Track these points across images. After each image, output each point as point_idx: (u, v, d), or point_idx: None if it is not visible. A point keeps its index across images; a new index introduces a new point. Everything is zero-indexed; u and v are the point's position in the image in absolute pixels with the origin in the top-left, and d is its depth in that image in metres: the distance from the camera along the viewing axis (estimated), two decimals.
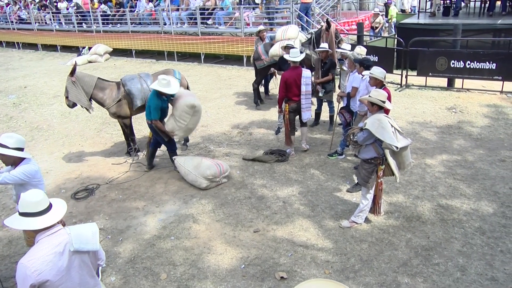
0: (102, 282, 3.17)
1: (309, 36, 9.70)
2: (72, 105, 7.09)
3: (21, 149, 3.91)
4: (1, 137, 3.85)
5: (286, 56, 7.04)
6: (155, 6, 17.55)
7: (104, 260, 3.10)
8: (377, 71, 5.35)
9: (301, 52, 6.94)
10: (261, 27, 10.39)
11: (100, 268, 3.22)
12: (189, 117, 6.28)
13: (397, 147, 4.50)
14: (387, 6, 17.42)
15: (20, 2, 24.81)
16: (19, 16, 24.01)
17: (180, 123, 6.31)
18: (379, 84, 5.36)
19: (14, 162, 3.94)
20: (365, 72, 5.89)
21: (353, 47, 8.01)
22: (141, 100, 7.07)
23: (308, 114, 7.01)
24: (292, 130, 7.10)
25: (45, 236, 2.66)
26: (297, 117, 7.14)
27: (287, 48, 7.78)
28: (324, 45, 7.67)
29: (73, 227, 2.81)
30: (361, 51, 7.26)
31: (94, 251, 2.84)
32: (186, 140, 7.87)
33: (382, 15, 16.43)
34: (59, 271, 2.64)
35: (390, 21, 17.13)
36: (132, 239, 5.17)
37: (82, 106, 7.08)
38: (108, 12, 19.12)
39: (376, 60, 10.64)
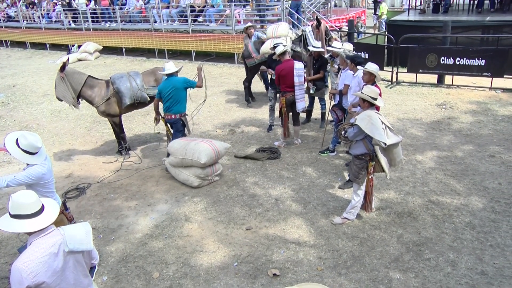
0: (94, 282, 3.14)
1: (300, 33, 9.70)
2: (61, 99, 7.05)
3: (31, 153, 3.74)
4: (20, 135, 3.71)
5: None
6: (145, 4, 17.43)
7: (97, 259, 3.09)
8: (373, 67, 5.37)
9: (293, 50, 7.02)
10: (249, 24, 10.36)
11: (95, 269, 3.19)
12: (189, 163, 6.14)
13: (385, 144, 4.53)
14: (376, 3, 17.49)
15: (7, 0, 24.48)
16: (7, 14, 23.69)
17: (183, 158, 6.12)
18: (371, 80, 5.40)
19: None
20: (359, 68, 5.91)
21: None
22: (130, 98, 7.02)
23: (302, 104, 7.12)
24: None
25: (39, 237, 2.62)
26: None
27: (274, 48, 7.79)
28: (318, 45, 7.68)
29: (67, 227, 2.79)
30: (348, 46, 7.34)
31: (88, 250, 2.82)
32: None
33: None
34: (54, 272, 2.61)
35: (380, 18, 17.21)
36: (124, 238, 5.15)
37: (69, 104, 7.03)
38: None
39: (367, 57, 10.68)
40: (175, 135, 6.65)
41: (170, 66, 6.41)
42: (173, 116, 6.47)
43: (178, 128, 6.62)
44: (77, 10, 19.42)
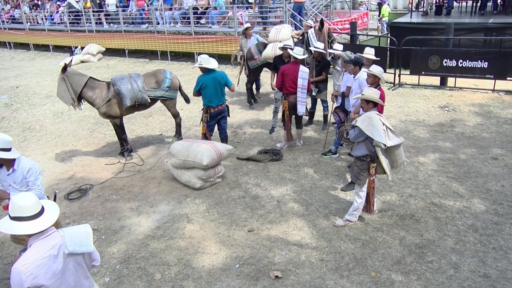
0: (96, 283, 3.14)
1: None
2: None
3: (7, 150, 3.87)
4: None
5: (289, 51, 7.20)
6: (148, 6, 17.48)
7: (98, 261, 3.08)
8: (377, 69, 5.38)
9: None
10: (248, 25, 10.37)
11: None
12: (191, 164, 6.14)
13: (385, 145, 4.53)
14: (380, 5, 17.47)
15: (9, 2, 24.58)
16: (11, 16, 23.79)
17: (185, 160, 6.12)
18: (376, 83, 5.41)
19: (3, 161, 3.94)
20: (364, 70, 5.92)
21: (345, 46, 8.06)
22: (131, 100, 7.03)
23: (302, 108, 7.10)
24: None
25: (38, 239, 2.61)
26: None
27: (284, 49, 7.79)
28: (319, 45, 7.69)
29: (67, 229, 2.78)
30: (338, 47, 7.43)
31: (88, 252, 2.82)
32: (179, 134, 7.91)
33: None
34: (54, 274, 2.61)
35: (382, 20, 17.17)
36: (126, 240, 5.15)
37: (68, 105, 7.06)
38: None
39: None
40: (224, 125, 6.91)
41: (212, 60, 6.52)
42: (223, 105, 6.70)
43: (226, 115, 6.88)
44: (80, 11, 19.47)
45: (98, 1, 19.74)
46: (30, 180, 3.95)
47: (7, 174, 3.98)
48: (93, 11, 19.16)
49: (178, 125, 7.90)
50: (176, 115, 7.81)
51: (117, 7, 18.54)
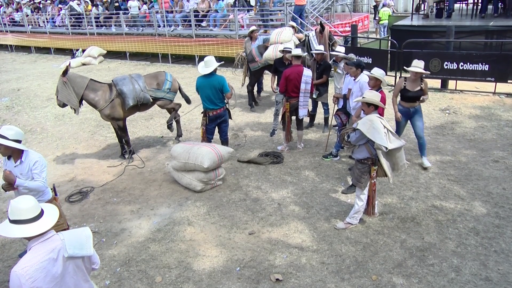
0: (97, 286, 3.13)
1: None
2: (63, 104, 7.07)
3: (19, 141, 3.98)
4: (1, 129, 3.93)
5: (291, 51, 7.19)
6: (149, 8, 17.51)
7: (98, 264, 3.07)
8: (379, 72, 5.38)
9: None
10: (253, 28, 10.39)
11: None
12: (192, 167, 6.15)
13: (386, 148, 4.53)
14: (376, 7, 17.47)
15: (13, 4, 24.65)
16: (12, 19, 23.86)
17: (186, 162, 6.12)
18: (377, 86, 5.41)
19: (12, 153, 4.03)
20: (366, 73, 5.92)
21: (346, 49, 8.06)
22: (133, 99, 7.06)
23: (304, 111, 7.11)
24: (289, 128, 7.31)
25: (38, 242, 2.61)
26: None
27: (284, 51, 7.80)
28: (320, 47, 7.69)
29: (66, 232, 2.78)
30: (340, 49, 7.45)
31: (88, 256, 2.82)
32: (179, 135, 7.92)
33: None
34: (53, 277, 2.60)
35: (379, 23, 17.16)
36: (127, 242, 5.15)
37: (71, 107, 7.07)
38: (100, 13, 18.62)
39: (370, 62, 10.67)
40: (224, 128, 6.82)
41: (210, 62, 6.40)
42: (222, 109, 6.60)
43: (226, 119, 6.78)
44: (81, 14, 19.52)
45: (116, 4, 19.60)
46: (35, 172, 4.05)
47: (14, 166, 4.07)
48: (110, 13, 19.15)
49: (177, 122, 7.92)
50: (173, 110, 7.78)
51: (139, 9, 18.27)
